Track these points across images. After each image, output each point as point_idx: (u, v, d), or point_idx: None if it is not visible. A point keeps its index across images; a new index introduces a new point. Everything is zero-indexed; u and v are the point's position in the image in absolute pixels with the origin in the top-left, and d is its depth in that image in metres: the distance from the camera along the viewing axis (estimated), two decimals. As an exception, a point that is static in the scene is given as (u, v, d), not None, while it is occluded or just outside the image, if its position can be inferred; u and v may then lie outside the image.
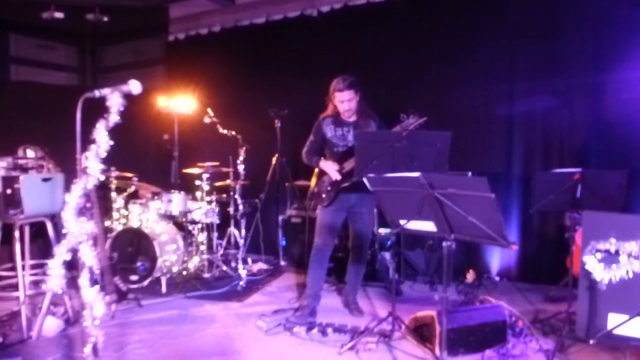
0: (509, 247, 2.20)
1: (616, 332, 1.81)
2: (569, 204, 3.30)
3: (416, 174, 2.25)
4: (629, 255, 1.68)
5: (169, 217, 4.81)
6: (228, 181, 5.05)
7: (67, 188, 2.20)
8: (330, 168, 3.54)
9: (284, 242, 5.39)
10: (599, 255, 1.74)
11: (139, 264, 4.37)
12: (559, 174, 3.37)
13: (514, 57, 4.66)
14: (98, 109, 2.21)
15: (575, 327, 2.21)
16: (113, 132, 2.19)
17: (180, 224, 4.89)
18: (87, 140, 2.15)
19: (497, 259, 4.77)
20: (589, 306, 1.79)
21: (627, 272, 1.71)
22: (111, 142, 2.18)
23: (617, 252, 1.71)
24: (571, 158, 4.39)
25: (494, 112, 4.74)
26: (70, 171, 2.77)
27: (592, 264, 1.73)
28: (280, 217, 5.38)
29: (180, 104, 5.41)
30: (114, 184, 4.94)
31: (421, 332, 3.18)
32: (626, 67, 4.14)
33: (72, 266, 2.21)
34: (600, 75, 4.30)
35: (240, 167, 4.95)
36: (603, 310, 1.77)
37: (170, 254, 4.48)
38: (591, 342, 1.82)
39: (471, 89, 4.78)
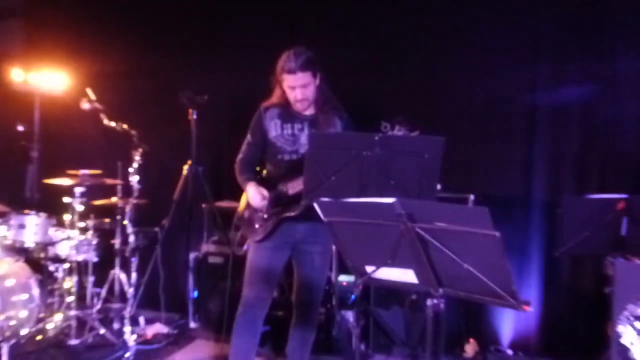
0: (520, 309, 2.25)
1: None
2: (610, 244, 3.42)
3: (390, 200, 2.29)
4: (678, 324, 1.76)
5: (18, 250, 4.73)
6: (114, 199, 5.02)
7: None
8: (254, 197, 3.50)
9: (195, 293, 5.38)
10: (638, 325, 1.81)
11: (-33, 323, 4.25)
12: (596, 201, 3.50)
13: (535, 33, 4.83)
14: None
15: None
16: None
17: (37, 262, 4.82)
18: None
19: (509, 323, 4.88)
20: (627, 396, 1.87)
21: (675, 347, 1.79)
22: None
23: (662, 320, 1.79)
24: (617, 177, 4.56)
25: (507, 110, 4.90)
26: None
27: (630, 336, 1.79)
28: (192, 255, 5.39)
29: (45, 79, 5.35)
30: None
31: None
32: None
33: None
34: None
35: (134, 179, 4.91)
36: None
37: (17, 309, 4.39)
38: None
39: (475, 78, 4.92)
